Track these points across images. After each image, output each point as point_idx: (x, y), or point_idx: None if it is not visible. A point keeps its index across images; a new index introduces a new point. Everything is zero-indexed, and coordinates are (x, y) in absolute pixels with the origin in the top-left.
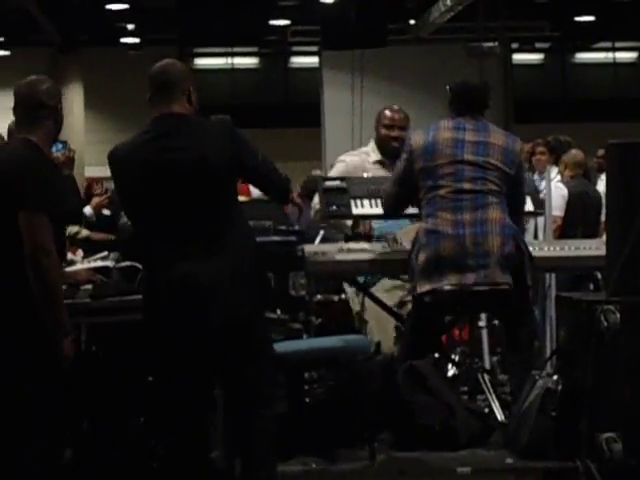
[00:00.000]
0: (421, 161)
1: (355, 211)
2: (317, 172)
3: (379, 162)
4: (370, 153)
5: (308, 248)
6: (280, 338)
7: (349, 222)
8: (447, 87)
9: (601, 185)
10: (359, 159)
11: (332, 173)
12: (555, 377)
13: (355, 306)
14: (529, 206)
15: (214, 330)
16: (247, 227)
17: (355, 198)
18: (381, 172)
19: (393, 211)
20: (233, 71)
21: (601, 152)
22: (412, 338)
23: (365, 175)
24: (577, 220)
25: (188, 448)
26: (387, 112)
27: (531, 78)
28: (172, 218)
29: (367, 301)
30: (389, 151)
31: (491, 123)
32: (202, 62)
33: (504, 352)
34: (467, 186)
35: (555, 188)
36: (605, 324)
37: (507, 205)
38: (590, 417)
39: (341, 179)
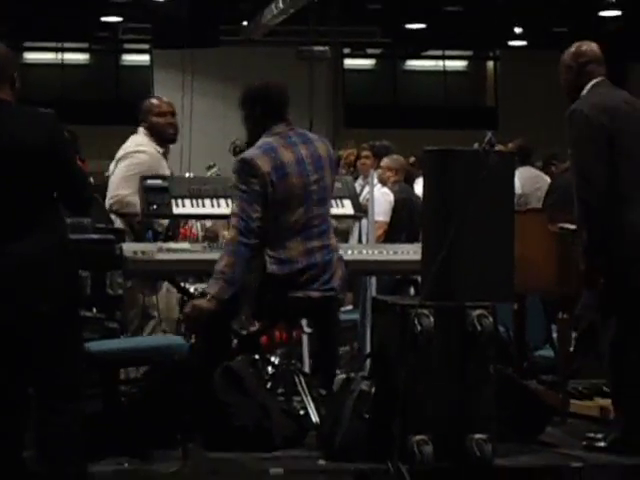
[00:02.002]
0: (274, 189)
1: (176, 210)
2: None
3: (162, 153)
4: (149, 146)
5: (127, 247)
6: (96, 337)
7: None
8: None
9: (417, 190)
10: (153, 150)
11: (137, 164)
12: (369, 380)
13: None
14: (349, 209)
15: (9, 323)
16: (59, 222)
17: (176, 197)
18: (164, 163)
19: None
20: (63, 67)
21: (412, 159)
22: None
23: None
24: (402, 225)
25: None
26: (155, 101)
27: (362, 83)
28: None
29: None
30: (167, 138)
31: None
32: (31, 56)
33: None
34: (315, 211)
35: (381, 194)
36: (419, 328)
37: None
38: (402, 420)
39: (162, 178)
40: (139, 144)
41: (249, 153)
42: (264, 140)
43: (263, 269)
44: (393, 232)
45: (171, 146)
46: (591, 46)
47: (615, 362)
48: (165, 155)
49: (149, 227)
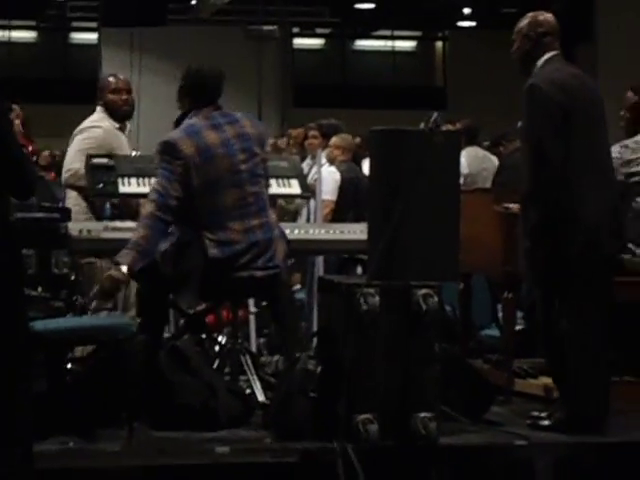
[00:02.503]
0: (199, 172)
1: (122, 189)
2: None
3: (119, 128)
4: (105, 121)
5: (73, 225)
6: (40, 316)
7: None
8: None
9: (365, 169)
10: (109, 125)
11: (92, 137)
12: (315, 359)
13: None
14: (296, 189)
15: None
16: (1, 200)
17: (122, 176)
18: (123, 138)
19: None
20: (10, 44)
21: (358, 140)
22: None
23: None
24: (349, 204)
25: None
26: (111, 79)
27: (311, 63)
28: None
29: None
30: (122, 114)
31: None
32: None
33: (271, 333)
34: (248, 189)
35: (328, 173)
36: (364, 307)
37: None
38: (347, 399)
39: (109, 157)
40: (94, 120)
41: (172, 135)
42: (188, 122)
43: (204, 254)
44: (340, 211)
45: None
46: (548, 17)
47: (552, 340)
48: (122, 130)
49: (107, 201)
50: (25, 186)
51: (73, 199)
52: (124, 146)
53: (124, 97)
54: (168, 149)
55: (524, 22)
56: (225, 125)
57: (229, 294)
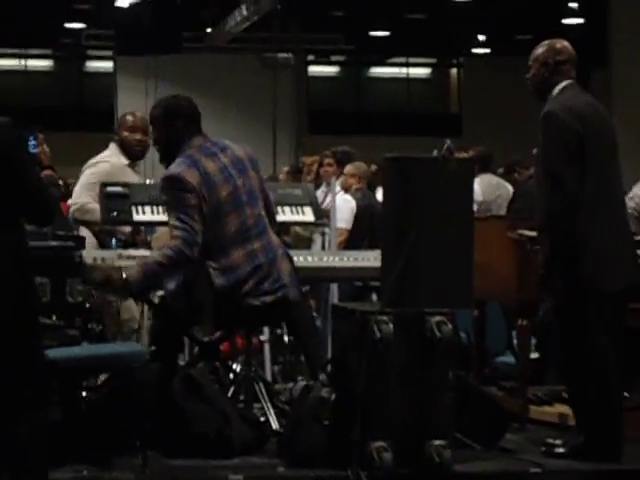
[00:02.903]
0: (205, 202)
1: (136, 217)
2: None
3: (129, 165)
4: (114, 157)
5: (87, 254)
6: (55, 344)
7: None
8: (157, 108)
9: (379, 197)
10: (118, 161)
11: (98, 172)
12: (329, 386)
13: (124, 314)
14: (309, 216)
15: None
16: (17, 229)
17: (137, 204)
18: (134, 175)
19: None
20: (26, 73)
21: (373, 167)
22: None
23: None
24: (364, 232)
25: None
26: (129, 117)
27: (327, 90)
28: None
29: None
30: (134, 154)
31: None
32: None
33: (285, 361)
34: (248, 212)
35: (343, 201)
36: (378, 334)
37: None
38: (362, 426)
39: (123, 185)
40: (104, 156)
41: (175, 169)
42: (185, 154)
43: (210, 284)
44: (355, 239)
45: None
46: (566, 45)
47: (572, 368)
48: (132, 167)
49: (112, 235)
50: (45, 213)
51: (82, 233)
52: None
53: (138, 137)
54: (176, 184)
55: (541, 49)
56: (219, 153)
57: (243, 323)
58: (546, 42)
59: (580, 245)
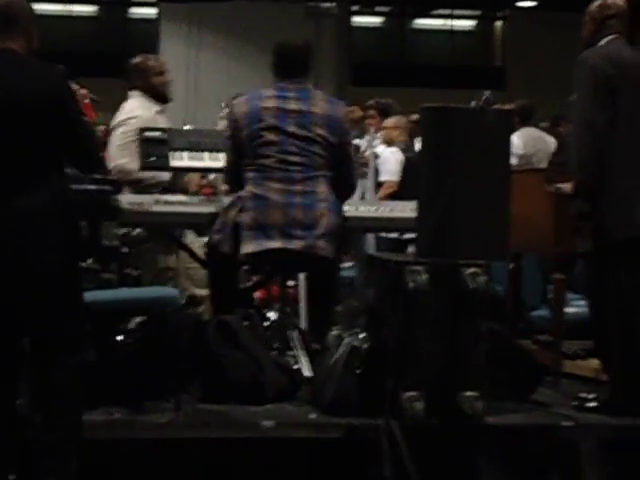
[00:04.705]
0: (246, 129)
1: (174, 163)
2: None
3: (159, 112)
4: (142, 109)
5: (123, 198)
6: (90, 288)
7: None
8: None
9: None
10: (148, 112)
11: (130, 130)
12: (362, 335)
13: (161, 262)
14: None
15: (16, 274)
16: (61, 175)
17: (175, 150)
18: (165, 121)
19: (236, 180)
20: (72, 18)
21: (414, 117)
22: (217, 292)
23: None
24: (412, 185)
25: None
26: (152, 62)
27: (370, 41)
28: None
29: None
30: (166, 97)
31: (313, 88)
32: (40, 7)
33: None
34: (294, 158)
35: (390, 153)
36: (412, 285)
37: (335, 175)
38: (394, 376)
39: (162, 130)
40: (130, 110)
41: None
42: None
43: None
44: (404, 191)
45: (177, 98)
46: (618, 0)
47: (601, 322)
48: (162, 112)
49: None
50: (93, 161)
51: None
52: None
53: (167, 79)
54: (229, 114)
55: (594, 5)
56: (292, 99)
57: (266, 264)
58: None
59: (606, 188)
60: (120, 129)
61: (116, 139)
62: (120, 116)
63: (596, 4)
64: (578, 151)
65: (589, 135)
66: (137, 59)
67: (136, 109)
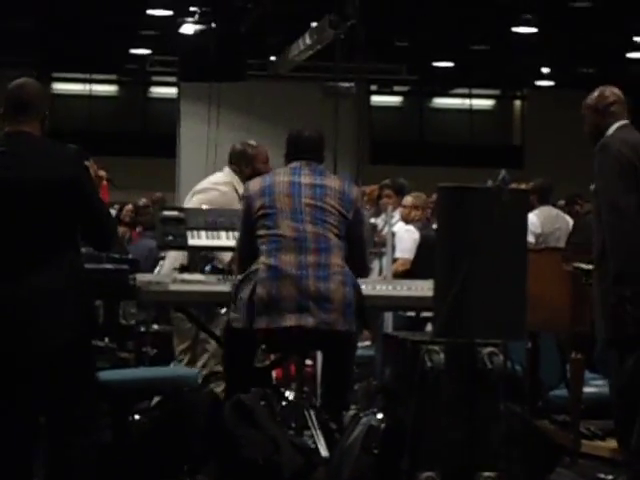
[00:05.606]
0: (259, 203)
1: (191, 242)
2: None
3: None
4: (227, 186)
5: (141, 277)
6: (107, 367)
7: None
8: None
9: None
10: (230, 191)
11: (207, 200)
12: (379, 415)
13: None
14: None
15: (31, 353)
16: (76, 254)
17: (192, 229)
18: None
19: (247, 255)
20: (91, 98)
21: (435, 197)
22: (233, 371)
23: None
24: (427, 263)
25: (8, 476)
26: (260, 150)
27: (389, 120)
28: (2, 234)
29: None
30: None
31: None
32: (60, 87)
33: None
34: (308, 228)
35: (406, 231)
36: (429, 364)
37: (348, 255)
38: (411, 455)
39: (179, 209)
40: (215, 182)
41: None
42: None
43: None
44: (419, 269)
45: (197, 176)
46: (614, 89)
47: (621, 401)
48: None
49: (210, 261)
50: (107, 239)
51: (172, 258)
52: None
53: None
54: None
55: (590, 98)
56: (304, 175)
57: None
58: (595, 91)
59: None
60: (198, 196)
61: (191, 205)
62: (204, 184)
63: (593, 96)
64: (612, 237)
65: (623, 220)
66: (244, 146)
67: (222, 184)
